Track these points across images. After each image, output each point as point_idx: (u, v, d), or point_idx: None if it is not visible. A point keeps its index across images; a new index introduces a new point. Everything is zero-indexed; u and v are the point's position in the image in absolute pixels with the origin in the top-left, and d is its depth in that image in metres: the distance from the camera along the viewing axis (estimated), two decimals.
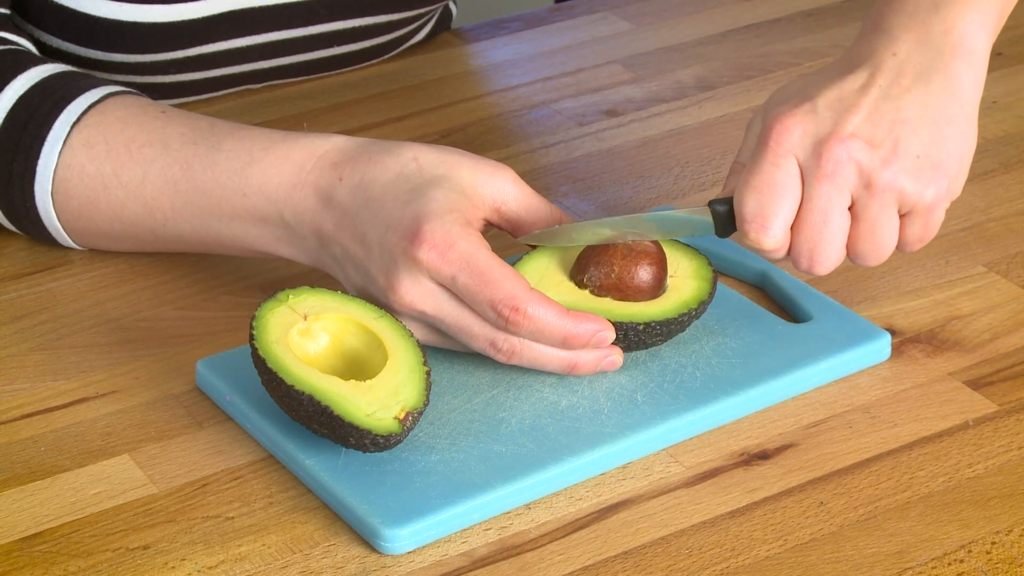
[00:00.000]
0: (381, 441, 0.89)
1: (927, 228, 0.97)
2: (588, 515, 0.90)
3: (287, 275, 1.09)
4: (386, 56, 1.37)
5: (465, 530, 0.89)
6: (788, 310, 1.04)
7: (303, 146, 1.00)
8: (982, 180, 1.18)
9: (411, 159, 0.97)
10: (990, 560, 0.86)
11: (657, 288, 0.98)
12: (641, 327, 0.96)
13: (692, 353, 0.99)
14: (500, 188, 0.98)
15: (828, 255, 0.95)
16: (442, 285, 0.94)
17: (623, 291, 0.97)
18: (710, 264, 1.00)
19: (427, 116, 1.30)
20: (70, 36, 1.20)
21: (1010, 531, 0.88)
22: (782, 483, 0.92)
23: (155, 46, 1.21)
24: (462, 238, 0.93)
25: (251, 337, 0.92)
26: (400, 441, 0.90)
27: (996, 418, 0.96)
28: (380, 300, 0.96)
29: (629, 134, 1.26)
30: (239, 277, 1.09)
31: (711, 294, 0.98)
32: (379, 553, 0.87)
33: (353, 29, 1.29)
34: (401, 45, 1.37)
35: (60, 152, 1.05)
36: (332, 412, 0.89)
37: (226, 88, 1.31)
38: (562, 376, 0.97)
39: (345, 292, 0.97)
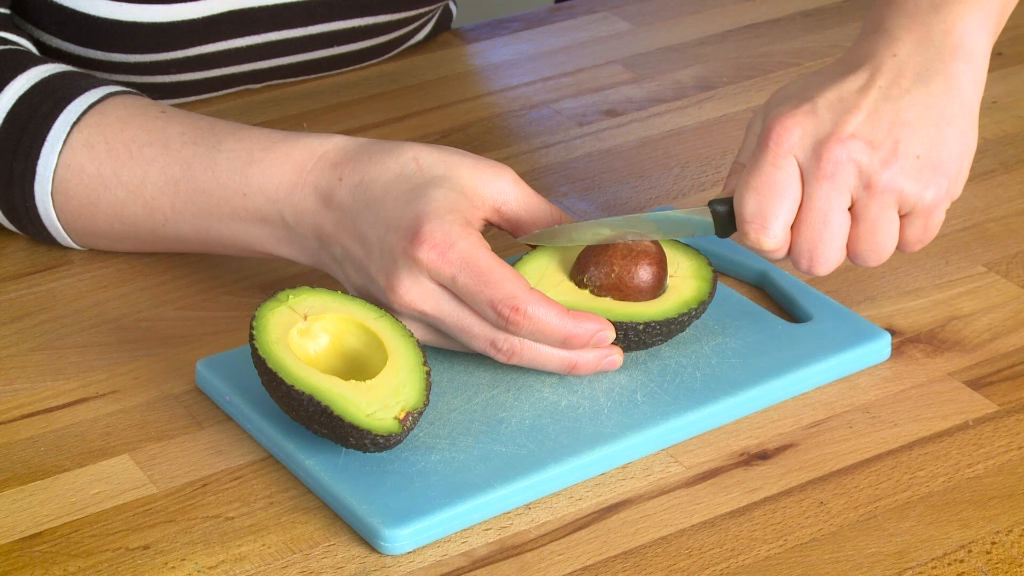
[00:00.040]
0: (381, 441, 0.89)
1: (927, 229, 0.97)
2: (588, 515, 0.90)
3: (287, 275, 1.09)
4: (386, 56, 1.37)
5: (465, 530, 0.89)
6: (788, 310, 1.04)
7: (303, 146, 1.00)
8: (982, 180, 1.18)
9: (411, 159, 0.97)
10: (990, 560, 0.86)
11: (657, 288, 0.98)
12: (641, 327, 0.96)
13: (692, 353, 0.99)
14: (500, 188, 0.98)
15: (828, 256, 0.95)
16: (442, 285, 0.94)
17: (623, 291, 0.97)
18: (710, 264, 1.00)
19: (427, 116, 1.30)
20: (70, 36, 1.20)
21: (1010, 531, 0.88)
22: (782, 483, 0.92)
23: (155, 46, 1.21)
24: (462, 238, 0.93)
25: (251, 337, 0.92)
26: (400, 441, 0.90)
27: (996, 418, 0.96)
28: (380, 300, 0.96)
29: (629, 134, 1.26)
30: (239, 277, 1.09)
31: (711, 294, 0.98)
32: (379, 553, 0.87)
33: (353, 29, 1.29)
34: (401, 45, 1.37)
35: (60, 152, 1.05)
36: (332, 412, 0.89)
37: (226, 88, 1.31)
38: (562, 376, 0.97)
39: (345, 292, 0.97)
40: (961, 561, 0.86)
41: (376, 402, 0.90)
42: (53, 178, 1.05)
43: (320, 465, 0.91)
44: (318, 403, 0.89)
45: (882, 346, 1.00)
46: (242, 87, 1.32)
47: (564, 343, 0.94)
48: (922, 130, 0.95)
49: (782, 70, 1.36)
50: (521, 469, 0.90)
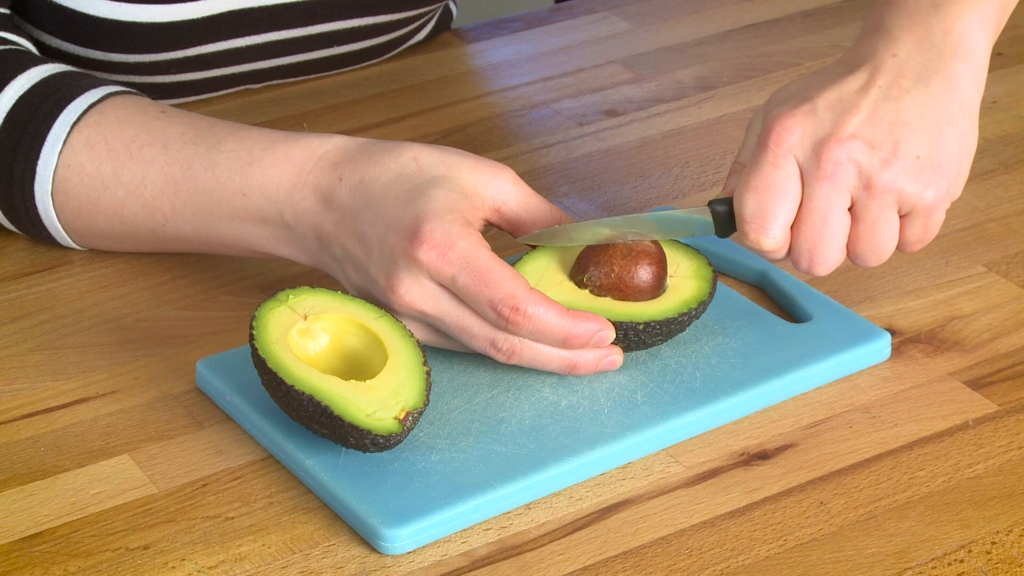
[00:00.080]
0: (381, 441, 0.89)
1: (927, 229, 0.97)
2: (588, 515, 0.90)
3: (287, 275, 1.09)
4: (386, 56, 1.37)
5: (465, 530, 0.89)
6: (788, 310, 1.04)
7: (303, 146, 1.00)
8: (982, 180, 1.18)
9: (411, 159, 0.97)
10: (990, 560, 0.86)
11: (657, 288, 0.98)
12: (641, 327, 0.96)
13: (692, 353, 0.99)
14: (500, 188, 0.98)
15: (828, 256, 0.95)
16: (442, 285, 0.94)
17: (623, 291, 0.97)
18: (710, 264, 1.00)
19: (427, 116, 1.30)
20: (69, 36, 1.20)
21: (1010, 531, 0.88)
22: (782, 483, 0.92)
23: (155, 46, 1.21)
24: (462, 238, 0.93)
25: (251, 337, 0.92)
26: (400, 441, 0.90)
27: (996, 418, 0.96)
28: (380, 300, 0.96)
29: (629, 134, 1.26)
30: (239, 277, 1.09)
31: (711, 294, 0.98)
32: (379, 553, 0.87)
33: (353, 29, 1.29)
34: (401, 45, 1.37)
35: (60, 152, 1.05)
36: (332, 412, 0.89)
37: (226, 88, 1.31)
38: (562, 376, 0.97)
39: (345, 292, 0.97)
40: (961, 561, 0.86)
41: (376, 402, 0.90)
42: (53, 178, 1.05)
43: (320, 465, 0.91)
44: (318, 403, 0.89)
45: (882, 346, 1.00)
46: (242, 87, 1.32)
47: (564, 343, 0.94)
48: (922, 130, 0.95)
49: (782, 70, 1.36)
50: (521, 469, 0.90)
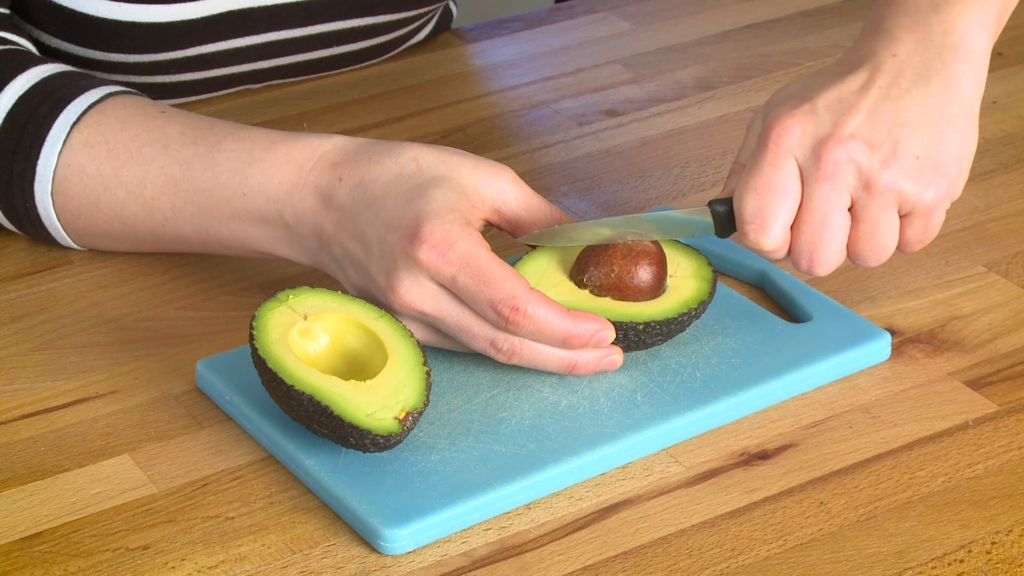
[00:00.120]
0: (381, 441, 0.89)
1: (927, 229, 0.97)
2: (588, 515, 0.90)
3: (287, 275, 1.09)
4: (386, 56, 1.37)
5: (465, 530, 0.89)
6: (788, 310, 1.04)
7: (303, 146, 1.00)
8: (982, 180, 1.18)
9: (411, 159, 0.97)
10: (990, 560, 0.86)
11: (657, 288, 0.98)
12: (641, 327, 0.96)
13: (692, 353, 0.99)
14: (500, 188, 0.98)
15: (828, 256, 0.95)
16: (442, 285, 0.94)
17: (623, 291, 0.97)
18: (710, 264, 1.00)
19: (427, 116, 1.30)
20: (69, 36, 1.20)
21: (1010, 531, 0.88)
22: (782, 483, 0.92)
23: (155, 46, 1.21)
24: (462, 238, 0.93)
25: (251, 337, 0.92)
26: (400, 441, 0.90)
27: (996, 418, 0.96)
28: (380, 300, 0.96)
29: (629, 134, 1.26)
30: (239, 277, 1.09)
31: (711, 294, 0.98)
32: (379, 553, 0.87)
33: (353, 29, 1.29)
34: (401, 45, 1.37)
35: (60, 152, 1.05)
36: (332, 412, 0.89)
37: (226, 88, 1.31)
38: (562, 376, 0.97)
39: (345, 292, 0.97)
40: (961, 561, 0.86)
41: (376, 402, 0.90)
42: (53, 178, 1.05)
43: (320, 465, 0.91)
44: (318, 403, 0.89)
45: (882, 346, 1.00)
46: (242, 87, 1.32)
47: (564, 343, 0.94)
48: (922, 130, 0.95)
49: (782, 70, 1.36)
50: (521, 469, 0.90)
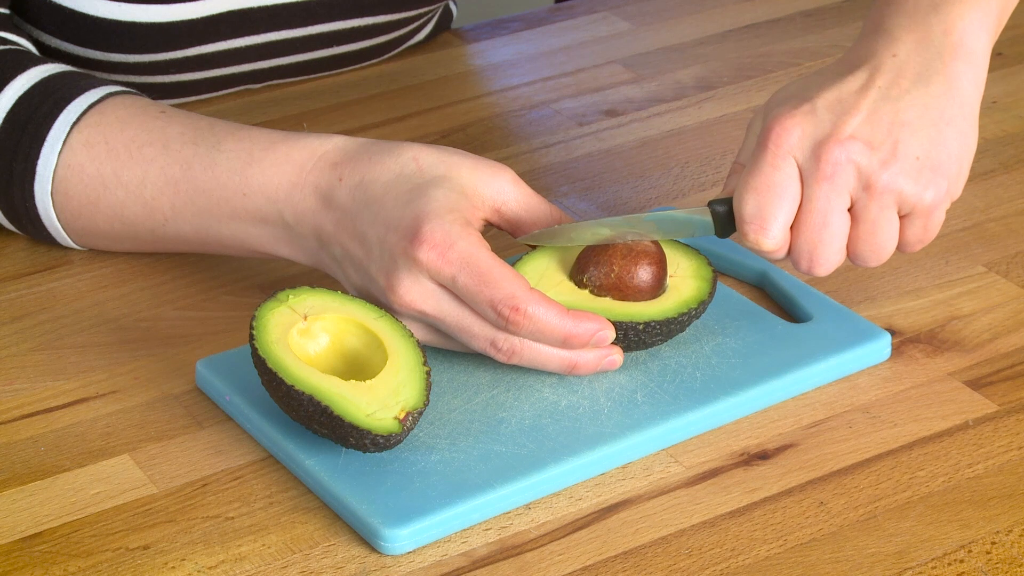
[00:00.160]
0: (381, 441, 0.89)
1: (927, 229, 0.97)
2: (588, 515, 0.90)
3: (287, 275, 1.09)
4: (386, 56, 1.37)
5: (465, 530, 0.89)
6: (788, 310, 1.04)
7: (303, 146, 1.00)
8: (982, 180, 1.18)
9: (411, 159, 0.97)
10: (990, 560, 0.86)
11: (657, 288, 0.98)
12: (641, 327, 0.96)
13: (692, 353, 0.99)
14: (500, 188, 0.98)
15: (828, 256, 0.95)
16: (442, 285, 0.94)
17: (623, 291, 0.97)
18: (710, 264, 1.00)
19: (427, 116, 1.30)
20: (69, 36, 1.20)
21: (1010, 531, 0.88)
22: (782, 483, 0.92)
23: (155, 46, 1.21)
24: (462, 238, 0.93)
25: (251, 337, 0.92)
26: (400, 441, 0.90)
27: (996, 418, 0.96)
28: (380, 300, 0.96)
29: (629, 134, 1.26)
30: (239, 277, 1.09)
31: (711, 294, 0.98)
32: (379, 553, 0.87)
33: (353, 29, 1.29)
34: (401, 45, 1.37)
35: (60, 152, 1.05)
36: (332, 412, 0.89)
37: (226, 88, 1.31)
38: (562, 376, 0.97)
39: (345, 292, 0.97)
40: (961, 561, 0.86)
41: (376, 402, 0.90)
42: (53, 178, 1.05)
43: (320, 465, 0.91)
44: (318, 403, 0.89)
45: (882, 346, 1.00)
46: (242, 87, 1.32)
47: (564, 343, 0.94)
48: (922, 130, 0.95)
49: (782, 70, 1.36)
50: (521, 469, 0.90)
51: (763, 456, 0.94)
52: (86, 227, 1.07)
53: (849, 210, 0.95)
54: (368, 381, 0.91)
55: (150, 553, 0.88)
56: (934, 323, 1.04)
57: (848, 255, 0.97)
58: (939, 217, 0.96)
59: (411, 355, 0.92)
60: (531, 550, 0.88)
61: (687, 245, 1.01)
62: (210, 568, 0.87)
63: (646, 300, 0.97)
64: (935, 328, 1.03)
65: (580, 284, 0.98)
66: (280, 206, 1.00)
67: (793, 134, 0.94)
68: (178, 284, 1.09)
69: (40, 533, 0.89)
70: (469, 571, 0.87)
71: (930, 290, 1.07)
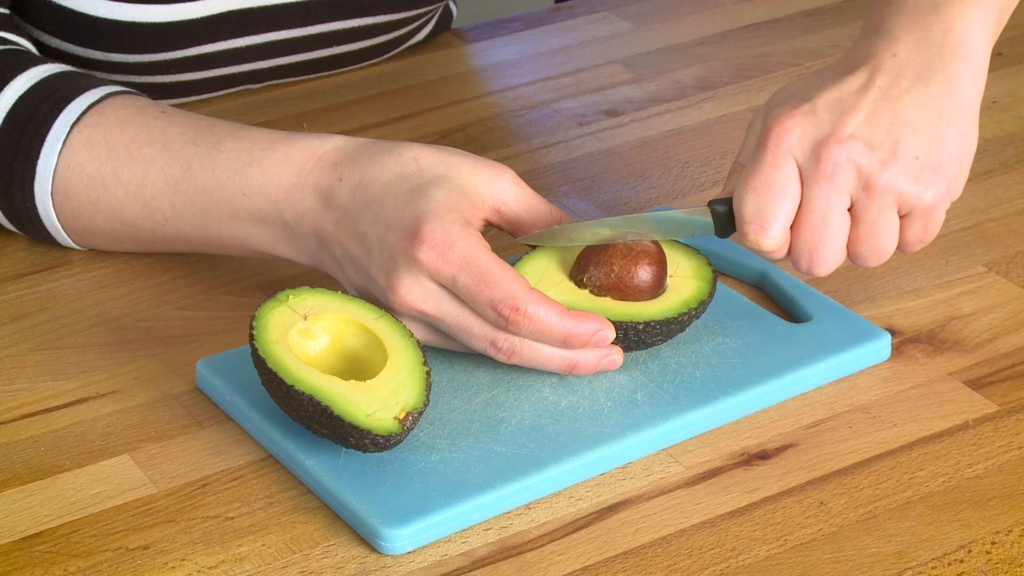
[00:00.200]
0: (381, 441, 0.89)
1: (927, 229, 0.97)
2: (588, 515, 0.90)
3: (287, 275, 1.09)
4: (386, 56, 1.37)
5: (465, 530, 0.89)
6: (788, 310, 1.04)
7: (303, 146, 1.00)
8: (982, 180, 1.18)
9: (411, 159, 0.97)
10: (990, 560, 0.86)
11: (657, 288, 0.98)
12: (641, 327, 0.96)
13: (692, 353, 0.99)
14: (500, 188, 0.98)
15: (828, 256, 0.95)
16: (442, 285, 0.94)
17: (623, 291, 0.97)
18: (710, 264, 1.00)
19: (427, 116, 1.30)
20: (69, 36, 1.20)
21: (1010, 531, 0.88)
22: (782, 483, 0.92)
23: (154, 46, 1.21)
24: (462, 238, 0.93)
25: (251, 337, 0.92)
26: (400, 441, 0.90)
27: (996, 418, 0.96)
28: (380, 300, 0.96)
29: (629, 134, 1.26)
30: (239, 277, 1.09)
31: (711, 294, 0.98)
32: (379, 553, 0.87)
33: (353, 29, 1.29)
34: (401, 45, 1.37)
35: (60, 152, 1.05)
36: (332, 412, 0.89)
37: (226, 88, 1.31)
38: (562, 376, 0.97)
39: (345, 292, 0.97)
40: (961, 561, 0.86)
41: (376, 402, 0.90)
42: (53, 178, 1.05)
43: (320, 465, 0.91)
44: (318, 403, 0.89)
45: (882, 346, 1.00)
46: (242, 87, 1.32)
47: (564, 343, 0.94)
48: (921, 130, 0.95)
49: (782, 70, 1.36)
50: (521, 469, 0.90)
51: (763, 456, 0.94)
52: (86, 227, 1.07)
53: (849, 210, 0.95)
54: (368, 381, 0.91)
55: (150, 553, 0.88)
56: (934, 323, 1.04)
57: (848, 255, 0.97)
58: (939, 217, 0.96)
59: (411, 355, 0.92)
60: (531, 550, 0.88)
61: (687, 245, 1.01)
62: (210, 568, 0.87)
63: (646, 300, 0.97)
64: (935, 328, 1.03)
65: (580, 284, 0.98)
66: (280, 206, 1.00)
67: (793, 134, 0.94)
68: (178, 284, 1.09)
69: (40, 533, 0.89)
70: (469, 571, 0.87)
71: (930, 290, 1.07)
